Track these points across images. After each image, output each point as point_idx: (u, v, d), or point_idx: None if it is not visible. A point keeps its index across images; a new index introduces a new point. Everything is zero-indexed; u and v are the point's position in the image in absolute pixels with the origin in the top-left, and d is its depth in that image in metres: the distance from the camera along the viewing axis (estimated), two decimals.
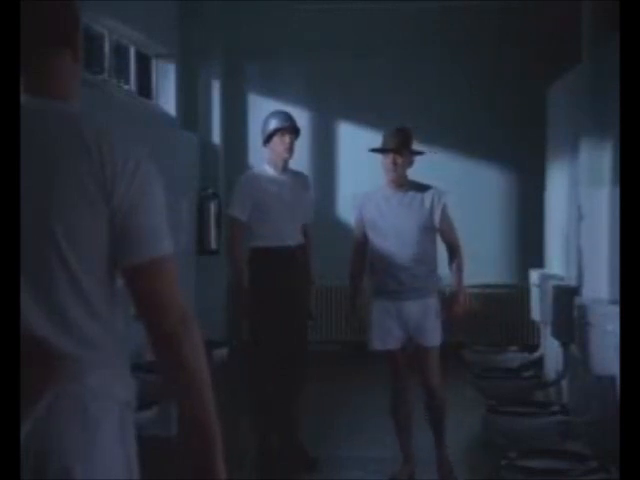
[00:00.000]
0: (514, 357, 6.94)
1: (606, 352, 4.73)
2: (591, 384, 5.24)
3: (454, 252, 5.12)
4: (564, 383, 6.25)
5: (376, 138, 9.24)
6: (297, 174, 5.70)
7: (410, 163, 5.14)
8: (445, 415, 5.10)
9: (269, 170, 5.58)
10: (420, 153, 5.20)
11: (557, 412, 5.11)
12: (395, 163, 5.05)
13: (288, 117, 5.60)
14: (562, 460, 4.11)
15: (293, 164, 5.75)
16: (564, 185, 7.03)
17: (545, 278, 6.93)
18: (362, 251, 5.20)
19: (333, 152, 9.59)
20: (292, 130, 5.55)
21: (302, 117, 8.87)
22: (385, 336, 5.03)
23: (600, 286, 5.67)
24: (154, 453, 3.96)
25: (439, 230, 5.09)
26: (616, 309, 4.30)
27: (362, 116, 9.37)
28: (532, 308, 7.46)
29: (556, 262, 7.41)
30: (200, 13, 8.92)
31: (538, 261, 8.14)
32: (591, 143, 5.93)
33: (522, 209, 9.33)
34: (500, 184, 9.43)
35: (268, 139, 5.55)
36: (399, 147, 5.05)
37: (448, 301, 5.08)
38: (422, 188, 5.12)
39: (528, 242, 8.93)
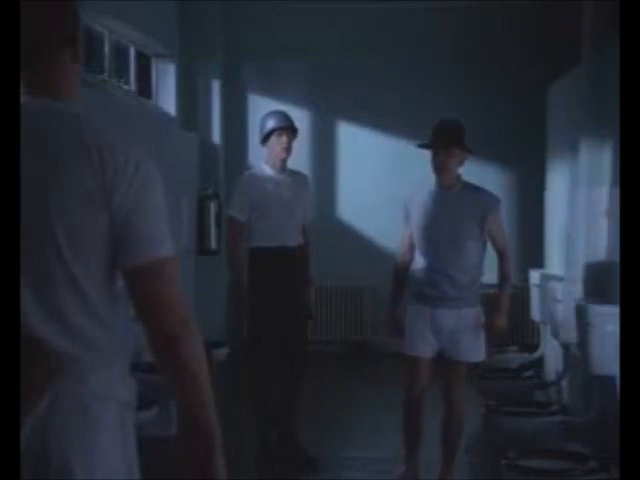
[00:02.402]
0: (514, 357, 6.94)
1: (606, 352, 4.73)
2: (591, 384, 5.24)
3: (503, 262, 4.78)
4: (564, 383, 6.25)
5: (376, 138, 9.37)
6: (296, 174, 5.69)
7: (462, 161, 4.69)
8: (461, 435, 4.89)
9: (267, 170, 5.58)
10: (473, 151, 4.77)
11: (557, 412, 5.11)
12: (445, 162, 4.62)
13: (285, 117, 5.60)
14: (562, 460, 4.11)
15: (293, 164, 5.74)
16: (564, 185, 7.02)
17: (545, 278, 6.92)
18: (409, 256, 4.83)
19: (333, 152, 9.59)
20: (289, 130, 5.54)
21: (302, 117, 8.88)
22: (417, 341, 4.70)
23: (600, 286, 5.67)
24: (154, 453, 3.96)
25: (489, 236, 4.71)
26: (616, 309, 4.30)
27: (362, 116, 9.37)
28: (532, 308, 7.45)
29: (556, 262, 7.41)
30: (200, 13, 8.93)
31: (538, 261, 8.14)
32: (591, 143, 5.93)
33: (522, 209, 9.33)
34: (500, 184, 9.41)
35: (265, 139, 5.55)
36: (450, 144, 4.62)
37: (489, 312, 4.75)
38: (474, 190, 4.73)
39: (528, 242, 8.92)
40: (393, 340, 4.96)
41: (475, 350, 4.74)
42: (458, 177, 4.75)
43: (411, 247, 4.84)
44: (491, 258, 4.89)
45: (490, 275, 4.93)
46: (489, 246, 4.84)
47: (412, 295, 4.79)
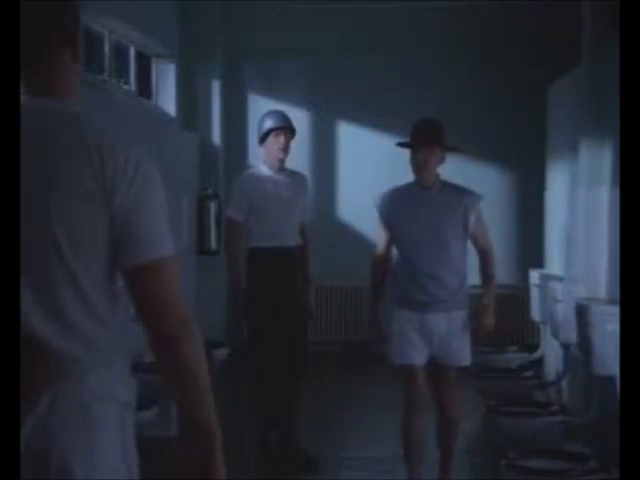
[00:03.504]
0: (514, 357, 6.94)
1: (606, 352, 4.73)
2: (591, 384, 5.24)
3: (487, 261, 4.68)
4: (564, 383, 6.25)
5: (376, 138, 9.37)
6: (294, 174, 5.69)
7: (441, 160, 4.58)
8: (457, 436, 4.81)
9: (265, 170, 5.57)
10: (453, 149, 4.68)
11: (557, 412, 5.11)
12: (425, 160, 4.52)
13: (283, 117, 5.59)
14: (562, 460, 4.11)
15: (293, 164, 5.74)
16: (564, 185, 7.03)
17: (545, 278, 6.92)
18: (385, 257, 4.74)
19: (333, 152, 9.59)
20: (287, 130, 5.53)
21: (302, 117, 8.89)
22: (408, 350, 4.56)
23: (600, 286, 5.68)
24: (154, 453, 3.96)
25: (471, 237, 4.62)
26: (616, 309, 4.30)
27: (362, 116, 9.38)
28: (532, 308, 7.45)
29: (556, 262, 7.41)
30: (200, 13, 8.93)
31: (538, 261, 8.14)
32: (591, 143, 5.93)
33: (522, 209, 9.33)
34: (500, 184, 9.42)
35: (263, 139, 5.55)
36: (430, 142, 4.52)
37: (477, 313, 4.66)
38: (455, 189, 4.63)
39: (528, 242, 8.93)
40: (379, 348, 4.79)
41: (464, 354, 4.63)
42: (437, 176, 4.63)
43: (388, 249, 4.74)
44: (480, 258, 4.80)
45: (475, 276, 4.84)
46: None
47: (398, 301, 4.64)
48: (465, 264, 4.66)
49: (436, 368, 4.66)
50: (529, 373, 6.43)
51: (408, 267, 4.60)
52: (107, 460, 1.84)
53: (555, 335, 6.13)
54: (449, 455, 4.88)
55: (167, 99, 8.65)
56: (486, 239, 4.70)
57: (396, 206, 4.66)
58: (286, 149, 5.53)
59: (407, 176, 4.79)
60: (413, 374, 4.62)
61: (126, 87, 7.92)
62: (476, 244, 4.69)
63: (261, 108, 7.80)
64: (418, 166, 4.57)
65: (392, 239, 4.71)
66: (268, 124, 5.52)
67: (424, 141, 4.54)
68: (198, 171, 8.65)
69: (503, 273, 9.23)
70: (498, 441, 5.01)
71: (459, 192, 4.63)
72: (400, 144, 4.71)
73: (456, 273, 4.60)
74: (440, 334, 4.57)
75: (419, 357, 4.59)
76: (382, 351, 4.75)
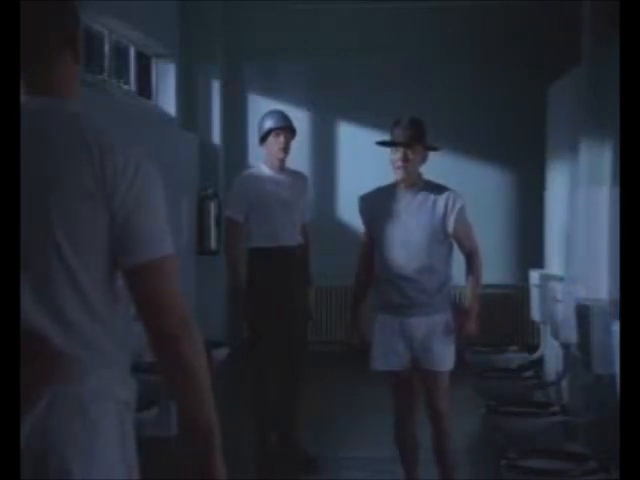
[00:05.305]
0: (514, 357, 6.94)
1: (607, 352, 4.73)
2: (591, 384, 5.24)
3: (471, 263, 4.51)
4: (564, 383, 6.25)
5: (376, 138, 9.34)
6: (295, 174, 5.69)
7: (423, 159, 4.47)
8: (450, 439, 4.67)
9: (265, 170, 5.57)
10: (434, 149, 4.55)
11: (557, 412, 5.10)
12: (406, 159, 4.39)
13: (283, 117, 5.59)
14: (562, 460, 4.10)
15: (293, 164, 5.73)
16: (564, 185, 7.03)
17: (545, 278, 6.93)
18: (369, 259, 4.62)
19: (333, 152, 9.59)
20: (287, 130, 5.53)
21: (302, 117, 8.89)
22: (388, 355, 4.47)
23: (600, 286, 5.68)
24: (154, 453, 3.96)
25: (454, 237, 4.45)
26: (617, 309, 4.31)
27: (362, 116, 9.37)
28: (532, 308, 7.46)
29: (556, 262, 7.41)
30: (200, 13, 8.94)
31: (538, 261, 8.14)
32: (591, 143, 5.93)
33: (522, 209, 9.33)
34: (500, 184, 9.43)
35: (263, 139, 5.55)
36: (411, 141, 4.40)
37: (460, 316, 4.52)
38: (436, 189, 4.46)
39: (528, 242, 8.93)
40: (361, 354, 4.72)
41: (446, 358, 4.47)
42: (419, 175, 4.50)
43: (371, 251, 4.62)
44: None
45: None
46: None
47: (379, 305, 4.54)
48: (447, 266, 4.51)
49: (421, 372, 4.53)
50: (529, 373, 6.43)
51: (387, 269, 4.47)
52: (106, 460, 1.84)
53: (555, 335, 6.13)
54: (445, 456, 4.84)
55: (167, 99, 8.65)
56: (471, 240, 4.53)
57: (376, 207, 4.56)
58: (286, 149, 5.53)
59: None
60: (397, 379, 4.56)
61: (126, 87, 7.92)
62: (460, 245, 4.53)
63: (261, 108, 7.80)
64: (398, 165, 4.44)
65: (374, 241, 4.59)
66: (268, 124, 5.52)
67: (405, 140, 4.43)
68: (198, 171, 8.65)
69: (503, 273, 9.28)
70: (498, 441, 5.01)
71: (440, 192, 4.47)
72: (380, 143, 4.59)
73: (435, 275, 4.44)
74: (421, 338, 4.44)
75: (400, 362, 4.49)
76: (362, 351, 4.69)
